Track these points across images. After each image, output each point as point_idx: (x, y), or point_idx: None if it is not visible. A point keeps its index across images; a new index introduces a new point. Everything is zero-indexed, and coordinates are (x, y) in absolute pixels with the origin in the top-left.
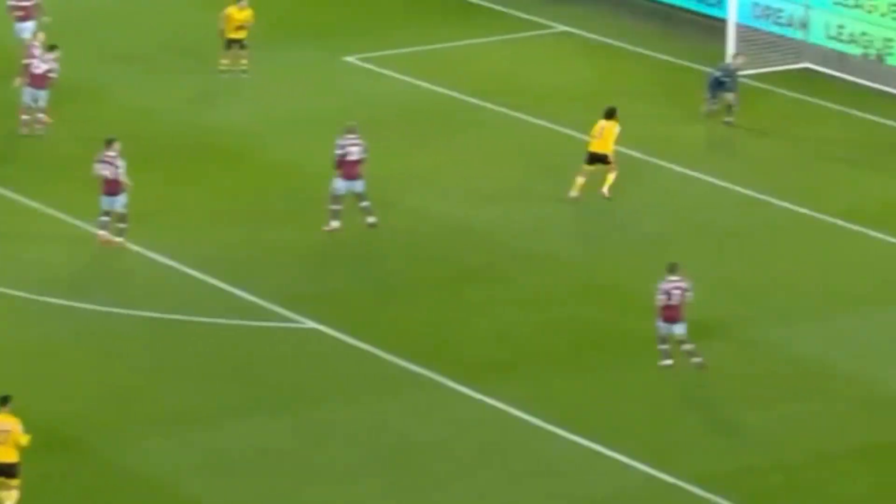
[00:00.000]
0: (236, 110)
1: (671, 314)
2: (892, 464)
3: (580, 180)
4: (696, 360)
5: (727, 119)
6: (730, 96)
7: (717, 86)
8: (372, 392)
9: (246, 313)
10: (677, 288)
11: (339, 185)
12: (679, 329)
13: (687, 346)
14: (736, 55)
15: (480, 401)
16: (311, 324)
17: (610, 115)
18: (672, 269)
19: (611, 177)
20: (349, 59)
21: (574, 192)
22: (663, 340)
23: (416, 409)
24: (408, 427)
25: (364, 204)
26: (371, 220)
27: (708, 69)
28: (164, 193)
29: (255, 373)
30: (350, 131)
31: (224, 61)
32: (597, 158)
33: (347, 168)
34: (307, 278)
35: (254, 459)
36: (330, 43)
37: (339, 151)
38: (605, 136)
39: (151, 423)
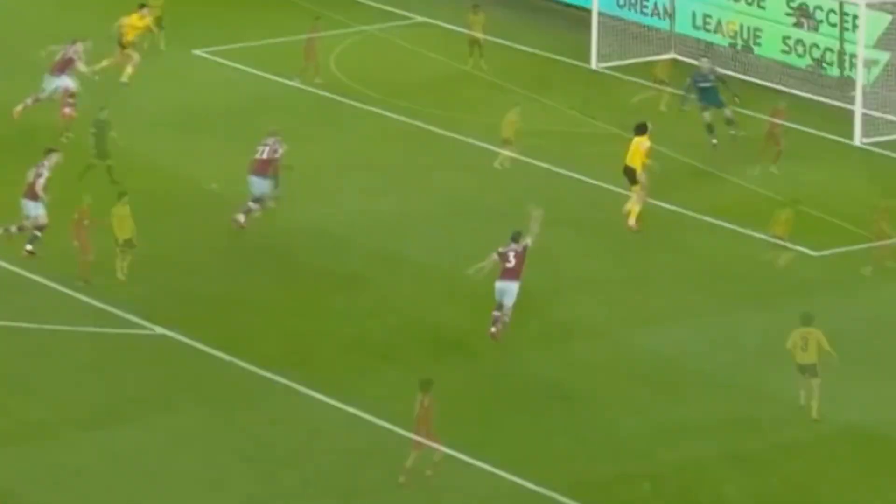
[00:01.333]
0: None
1: (508, 274)
2: (762, 469)
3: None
4: (493, 329)
5: (732, 132)
6: (724, 110)
7: (702, 93)
8: (226, 399)
9: (95, 320)
10: (514, 252)
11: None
12: (509, 299)
13: (505, 317)
14: (700, 58)
15: (338, 408)
16: (160, 330)
17: (639, 130)
18: (515, 238)
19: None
20: (198, 52)
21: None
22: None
23: (273, 417)
24: (264, 435)
25: (250, 205)
26: (240, 217)
27: (572, 61)
28: (7, 195)
29: (105, 380)
30: (271, 134)
31: (104, 62)
32: (626, 172)
33: (252, 164)
34: (158, 283)
35: (105, 469)
36: (178, 36)
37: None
38: (632, 152)
39: None
